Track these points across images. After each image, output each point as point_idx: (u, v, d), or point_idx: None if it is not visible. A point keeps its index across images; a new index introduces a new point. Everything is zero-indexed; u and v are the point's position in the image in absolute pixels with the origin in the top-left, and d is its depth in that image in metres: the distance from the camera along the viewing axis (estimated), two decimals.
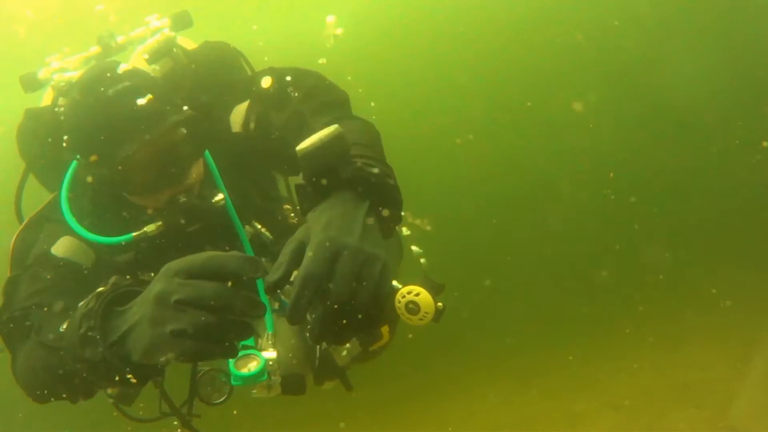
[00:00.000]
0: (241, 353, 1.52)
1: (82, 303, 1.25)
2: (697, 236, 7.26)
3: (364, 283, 1.03)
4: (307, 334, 1.11)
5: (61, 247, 1.71)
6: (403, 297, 1.57)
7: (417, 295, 1.57)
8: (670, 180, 8.38)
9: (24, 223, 1.82)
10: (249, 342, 1.58)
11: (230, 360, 1.49)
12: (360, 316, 1.04)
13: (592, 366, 5.66)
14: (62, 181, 1.75)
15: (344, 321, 1.04)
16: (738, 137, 7.93)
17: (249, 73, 2.03)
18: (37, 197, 1.96)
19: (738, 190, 7.72)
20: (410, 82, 9.12)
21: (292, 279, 1.08)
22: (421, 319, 1.58)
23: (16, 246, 1.77)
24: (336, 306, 1.02)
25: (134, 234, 1.65)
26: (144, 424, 1.91)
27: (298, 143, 1.26)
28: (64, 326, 1.28)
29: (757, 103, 7.82)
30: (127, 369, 1.14)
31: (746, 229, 7.06)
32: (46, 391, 1.45)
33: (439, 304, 1.59)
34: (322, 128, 1.40)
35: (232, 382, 1.49)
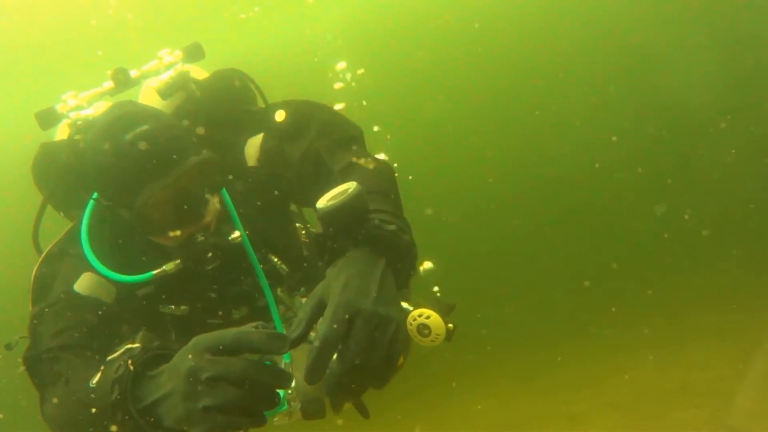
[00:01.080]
0: None
1: (112, 358, 1.31)
2: (697, 236, 7.26)
3: (377, 347, 1.12)
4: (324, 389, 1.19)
5: (83, 284, 1.72)
6: (414, 320, 1.59)
7: (428, 317, 1.59)
8: (670, 180, 8.37)
9: (43, 256, 1.82)
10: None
11: None
12: (372, 375, 1.13)
13: (592, 366, 5.66)
14: (81, 216, 1.76)
15: (357, 380, 1.13)
16: (739, 137, 7.93)
17: (260, 99, 2.05)
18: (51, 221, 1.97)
19: (738, 190, 7.71)
20: (415, 86, 9.12)
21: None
22: (432, 341, 1.60)
23: (37, 280, 1.77)
24: (350, 367, 1.11)
25: (154, 272, 1.67)
26: None
27: (314, 181, 1.44)
28: (95, 381, 1.33)
29: (757, 103, 7.82)
30: None
31: (746, 230, 7.06)
32: None
33: (450, 324, 1.61)
34: (338, 171, 1.56)
35: None
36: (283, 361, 1.71)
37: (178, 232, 1.64)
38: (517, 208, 8.79)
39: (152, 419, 1.19)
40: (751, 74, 8.02)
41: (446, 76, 9.20)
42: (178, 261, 1.67)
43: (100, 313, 1.70)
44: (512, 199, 8.81)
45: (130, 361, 1.25)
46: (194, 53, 1.94)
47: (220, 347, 1.11)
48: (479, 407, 5.66)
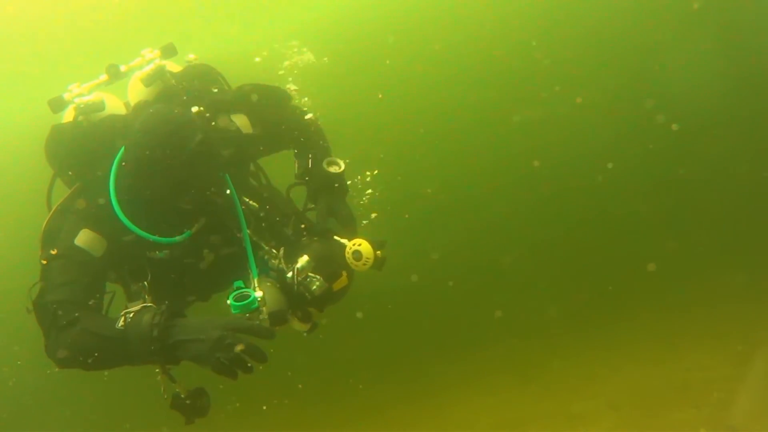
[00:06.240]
0: (237, 291, 2.11)
1: (133, 311, 1.95)
2: (698, 237, 7.27)
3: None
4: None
5: (82, 239, 2.15)
6: (350, 249, 2.18)
7: (359, 245, 2.16)
8: (670, 180, 8.38)
9: (51, 212, 2.24)
10: (241, 284, 2.16)
11: (231, 295, 2.10)
12: None
13: (592, 366, 5.67)
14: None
15: None
16: (739, 138, 7.93)
17: (225, 87, 2.65)
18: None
19: (738, 190, 7.72)
20: (410, 81, 9.12)
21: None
22: (364, 264, 2.17)
23: (46, 230, 2.21)
24: None
25: (192, 231, 2.15)
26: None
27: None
28: (121, 324, 1.94)
29: (758, 104, 7.83)
30: (171, 360, 1.93)
31: (746, 230, 7.06)
32: (96, 364, 2.01)
33: (378, 252, 2.18)
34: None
35: (233, 311, 2.06)
36: (253, 278, 2.18)
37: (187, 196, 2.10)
38: (516, 208, 8.80)
39: (174, 353, 1.89)
40: (753, 76, 8.03)
41: (445, 73, 9.21)
42: (203, 220, 2.15)
43: (93, 267, 2.15)
44: (512, 198, 8.81)
45: (161, 312, 1.91)
46: (169, 51, 2.52)
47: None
48: (479, 407, 5.66)
